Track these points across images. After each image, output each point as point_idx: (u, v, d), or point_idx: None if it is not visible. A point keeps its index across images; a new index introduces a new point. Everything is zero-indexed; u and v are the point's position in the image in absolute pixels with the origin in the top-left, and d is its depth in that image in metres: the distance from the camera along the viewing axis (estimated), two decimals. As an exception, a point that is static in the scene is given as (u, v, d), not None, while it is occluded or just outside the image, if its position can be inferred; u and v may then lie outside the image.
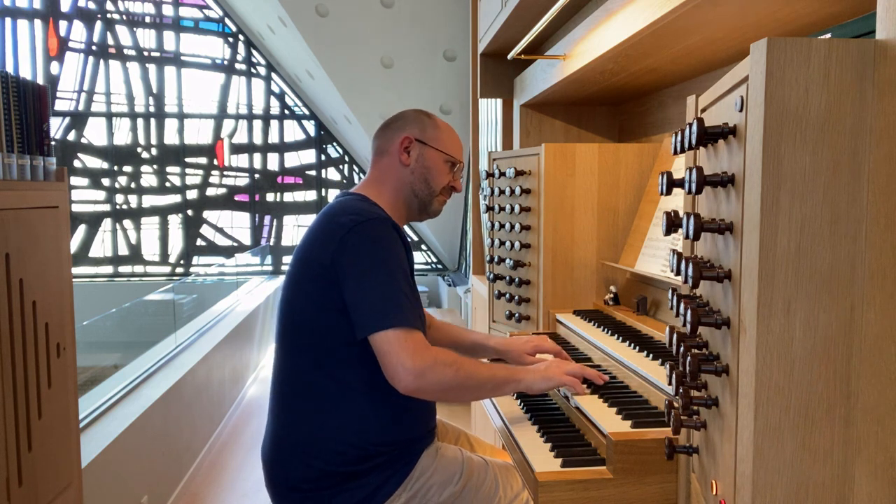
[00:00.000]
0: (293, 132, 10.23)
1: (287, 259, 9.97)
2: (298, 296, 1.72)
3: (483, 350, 2.09)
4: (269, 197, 10.29)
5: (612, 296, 2.30)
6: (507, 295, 2.69)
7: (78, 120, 9.71)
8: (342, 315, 1.64)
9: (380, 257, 1.64)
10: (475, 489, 1.74)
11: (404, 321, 1.58)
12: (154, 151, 9.99)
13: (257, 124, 10.15)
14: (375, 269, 1.62)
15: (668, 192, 1.08)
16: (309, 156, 10.27)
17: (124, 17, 9.74)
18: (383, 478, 1.68)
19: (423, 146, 1.85)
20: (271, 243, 10.40)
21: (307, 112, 10.17)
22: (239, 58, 9.98)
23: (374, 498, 1.67)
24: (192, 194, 10.11)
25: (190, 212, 10.13)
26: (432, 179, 1.86)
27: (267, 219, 10.37)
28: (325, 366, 1.68)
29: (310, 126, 10.20)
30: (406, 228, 10.57)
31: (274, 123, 10.18)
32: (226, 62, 9.99)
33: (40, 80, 8.65)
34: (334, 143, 10.22)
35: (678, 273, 1.06)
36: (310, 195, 10.32)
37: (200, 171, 10.12)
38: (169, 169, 10.02)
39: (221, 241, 10.31)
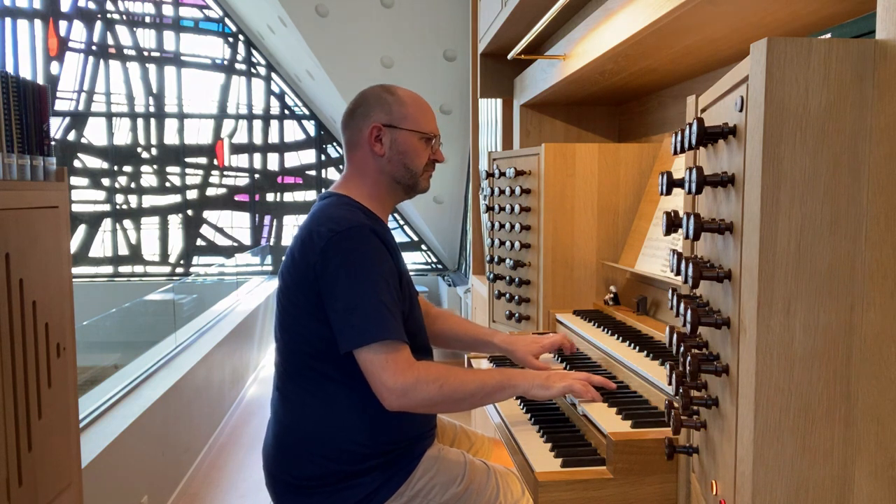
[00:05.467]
0: (293, 132, 10.23)
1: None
2: (289, 302, 1.70)
3: (487, 346, 2.07)
4: (269, 197, 10.29)
5: (612, 296, 2.30)
6: (507, 295, 2.69)
7: (78, 120, 9.70)
8: (329, 324, 1.62)
9: (359, 270, 1.59)
10: (477, 492, 1.73)
11: (385, 335, 1.55)
12: (154, 151, 9.98)
13: (257, 124, 10.15)
14: (354, 283, 1.58)
15: (668, 192, 1.08)
16: (309, 156, 10.26)
17: (124, 17, 9.74)
18: (385, 477, 1.68)
19: (394, 130, 1.75)
20: (271, 243, 10.40)
21: (307, 112, 10.16)
22: (239, 58, 9.98)
23: (376, 497, 1.66)
24: (192, 194, 10.10)
25: (190, 212, 10.13)
26: (411, 162, 1.77)
27: (267, 219, 10.37)
28: (322, 368, 1.67)
29: (310, 126, 10.20)
30: (405, 228, 10.49)
31: (274, 123, 10.17)
32: (226, 62, 9.99)
33: (40, 80, 8.64)
34: (334, 143, 10.22)
35: (678, 273, 1.06)
36: (310, 195, 10.31)
37: (200, 171, 10.11)
38: (169, 169, 10.02)
39: (221, 241, 10.30)
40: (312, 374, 1.69)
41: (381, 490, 1.67)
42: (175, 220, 10.14)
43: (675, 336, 1.10)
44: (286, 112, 10.18)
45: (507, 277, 2.64)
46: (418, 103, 1.80)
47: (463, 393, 1.62)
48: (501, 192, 2.70)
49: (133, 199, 9.99)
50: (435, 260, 10.17)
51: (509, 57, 2.77)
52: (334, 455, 1.67)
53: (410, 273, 1.84)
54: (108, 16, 9.65)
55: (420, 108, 1.79)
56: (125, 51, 9.74)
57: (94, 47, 9.62)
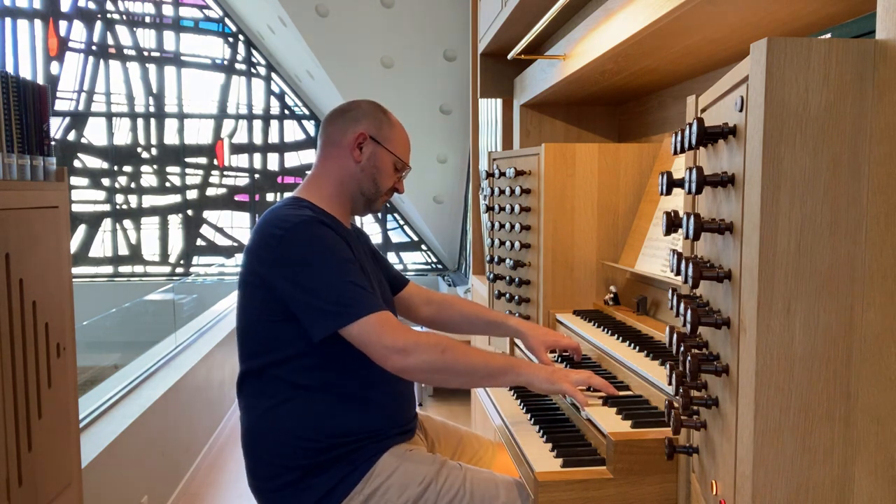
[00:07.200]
0: (293, 132, 10.22)
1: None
2: (246, 304, 1.74)
3: (501, 329, 2.08)
4: (269, 197, 10.28)
5: (612, 296, 2.30)
6: (507, 295, 2.69)
7: (78, 120, 9.70)
8: (288, 323, 1.65)
9: (316, 259, 1.63)
10: (438, 497, 1.66)
11: (369, 307, 1.59)
12: (154, 151, 9.98)
13: (257, 124, 10.14)
14: (317, 272, 1.61)
15: (668, 192, 1.08)
16: (309, 156, 10.25)
17: (124, 17, 9.73)
18: (343, 473, 1.67)
19: (377, 146, 1.82)
20: (271, 243, 10.38)
21: (307, 112, 10.16)
22: (239, 58, 9.98)
23: (334, 494, 1.67)
24: (192, 194, 10.10)
25: (190, 212, 10.12)
26: (380, 180, 1.84)
27: (267, 219, 10.36)
28: (278, 366, 1.71)
29: (310, 126, 10.20)
30: (405, 228, 10.45)
31: (274, 123, 10.17)
32: (226, 62, 9.98)
33: (40, 80, 8.63)
34: (334, 143, 10.22)
35: (678, 273, 1.06)
36: (310, 195, 10.31)
37: (200, 171, 10.11)
38: (169, 169, 10.01)
39: (221, 241, 10.30)
40: (269, 372, 1.72)
41: (339, 487, 1.67)
42: (175, 220, 10.14)
43: (675, 336, 1.10)
44: (286, 112, 10.17)
45: (507, 277, 2.64)
46: (404, 134, 1.89)
47: (466, 365, 1.63)
48: (501, 192, 2.70)
49: (133, 199, 9.99)
50: (435, 260, 10.17)
51: (509, 57, 2.77)
52: (290, 451, 1.69)
53: (409, 274, 1.85)
54: (108, 16, 9.65)
55: (404, 139, 1.88)
56: (125, 51, 9.74)
57: (94, 47, 9.62)
